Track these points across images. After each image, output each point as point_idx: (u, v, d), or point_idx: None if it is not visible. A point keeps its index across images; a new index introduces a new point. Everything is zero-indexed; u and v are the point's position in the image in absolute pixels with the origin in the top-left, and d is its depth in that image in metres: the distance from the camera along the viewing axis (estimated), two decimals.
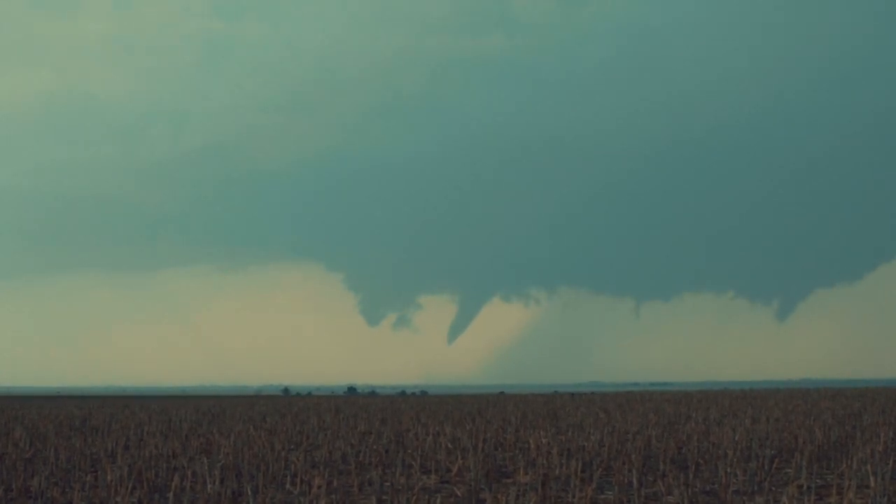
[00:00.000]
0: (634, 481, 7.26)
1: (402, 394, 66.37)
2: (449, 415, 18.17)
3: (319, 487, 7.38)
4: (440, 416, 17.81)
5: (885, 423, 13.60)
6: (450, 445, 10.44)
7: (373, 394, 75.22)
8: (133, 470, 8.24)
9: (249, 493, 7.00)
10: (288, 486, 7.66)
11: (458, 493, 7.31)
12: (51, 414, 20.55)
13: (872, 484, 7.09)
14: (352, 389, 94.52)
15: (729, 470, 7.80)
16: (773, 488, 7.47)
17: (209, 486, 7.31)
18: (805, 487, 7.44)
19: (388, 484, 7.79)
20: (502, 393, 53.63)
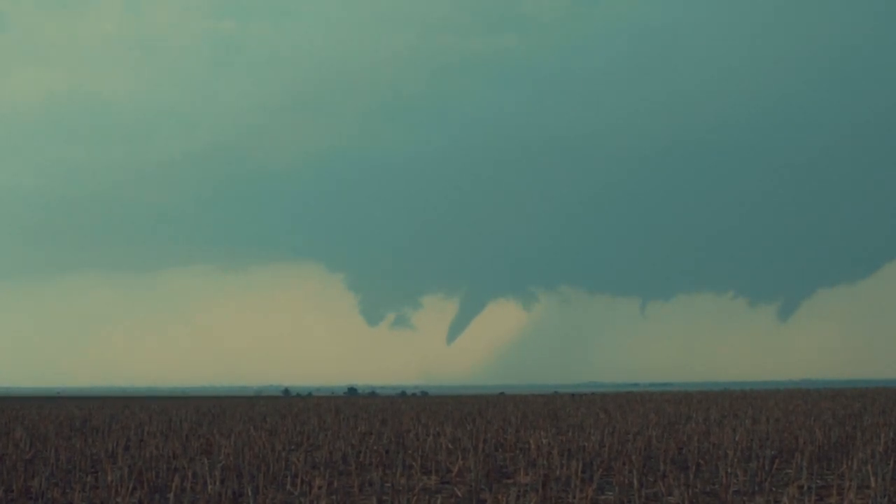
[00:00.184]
0: (635, 482, 7.26)
1: (403, 394, 66.37)
2: (449, 415, 18.17)
3: (320, 488, 7.38)
4: (440, 416, 17.81)
5: (886, 424, 13.60)
6: (450, 446, 10.44)
7: (373, 394, 75.23)
8: (133, 470, 8.24)
9: (250, 493, 7.00)
10: (288, 486, 7.66)
11: (459, 494, 7.31)
12: (51, 414, 20.55)
13: (873, 484, 7.09)
14: (352, 390, 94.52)
15: (729, 470, 7.80)
16: (774, 489, 7.47)
17: (210, 487, 7.30)
18: (805, 488, 7.44)
19: (388, 484, 7.79)
20: (502, 393, 53.63)
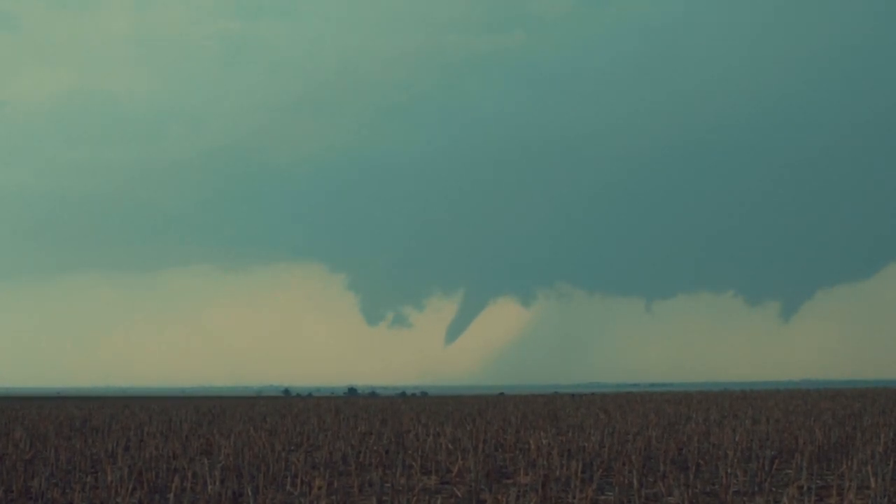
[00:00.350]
0: (635, 482, 7.26)
1: (403, 394, 66.37)
2: (449, 415, 18.17)
3: (320, 488, 7.39)
4: (440, 416, 17.81)
5: (886, 424, 13.60)
6: (450, 446, 10.45)
7: (373, 394, 75.24)
8: (133, 471, 8.24)
9: (250, 493, 7.00)
10: (288, 486, 7.66)
11: (459, 494, 7.31)
12: (51, 414, 20.55)
13: (873, 485, 7.09)
14: (352, 390, 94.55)
15: (729, 470, 7.80)
16: (774, 489, 7.47)
17: (209, 487, 7.31)
18: (805, 488, 7.44)
19: (388, 485, 7.79)
20: (502, 394, 53.64)
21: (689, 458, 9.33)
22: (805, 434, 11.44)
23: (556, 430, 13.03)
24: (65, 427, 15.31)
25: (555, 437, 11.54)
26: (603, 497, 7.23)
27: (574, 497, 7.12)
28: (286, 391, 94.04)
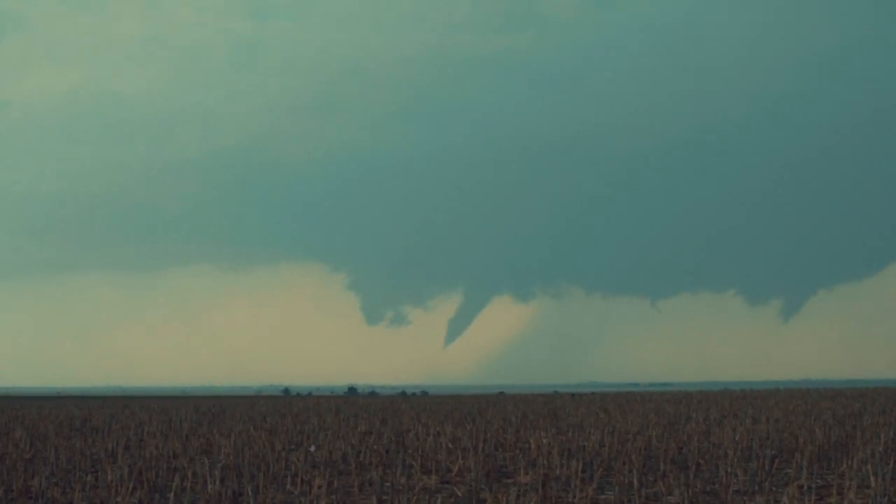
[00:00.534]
0: (635, 481, 7.26)
1: (403, 394, 66.38)
2: (449, 415, 18.17)
3: (320, 488, 7.38)
4: (440, 416, 17.81)
5: (886, 424, 13.60)
6: (450, 445, 10.44)
7: (373, 394, 75.23)
8: (133, 470, 8.24)
9: (250, 493, 7.00)
10: (288, 486, 7.66)
11: (459, 494, 7.31)
12: (51, 414, 20.55)
13: (873, 484, 7.09)
14: (352, 390, 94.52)
15: (729, 470, 7.80)
16: (774, 488, 7.47)
17: (210, 487, 7.31)
18: (805, 487, 7.44)
19: (388, 484, 7.79)
20: (502, 393, 53.64)
21: (689, 457, 9.33)
22: (805, 434, 11.44)
23: (556, 430, 13.02)
24: (65, 427, 15.31)
25: (555, 437, 11.54)
26: (603, 496, 7.23)
27: (574, 496, 7.12)
28: (286, 391, 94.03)
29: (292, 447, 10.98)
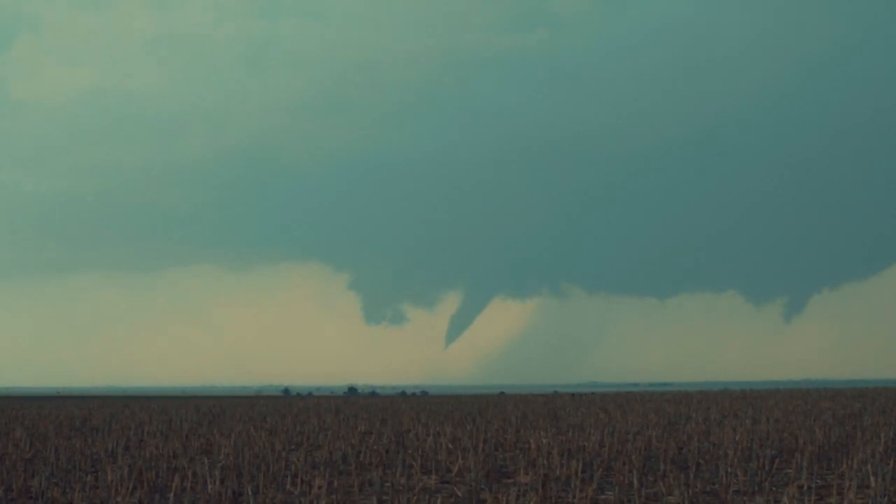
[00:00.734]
0: (635, 481, 7.26)
1: (403, 394, 66.38)
2: (449, 415, 18.17)
3: (320, 488, 7.39)
4: (440, 416, 17.81)
5: (886, 424, 13.61)
6: (450, 446, 10.44)
7: (373, 394, 75.24)
8: (133, 470, 8.24)
9: (250, 493, 7.00)
10: (288, 486, 7.66)
11: (459, 494, 7.31)
12: (51, 414, 20.55)
13: (873, 484, 7.09)
14: (352, 390, 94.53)
15: (729, 470, 7.80)
16: (774, 488, 7.47)
17: (209, 487, 7.31)
18: (805, 488, 7.44)
19: (388, 484, 7.79)
20: (502, 393, 53.63)
21: (689, 457, 9.33)
22: (805, 434, 11.44)
23: (556, 430, 13.02)
24: (65, 427, 15.31)
25: (555, 437, 11.54)
26: (603, 497, 7.23)
27: (574, 497, 7.12)
28: (286, 391, 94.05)
29: (292, 447, 10.98)
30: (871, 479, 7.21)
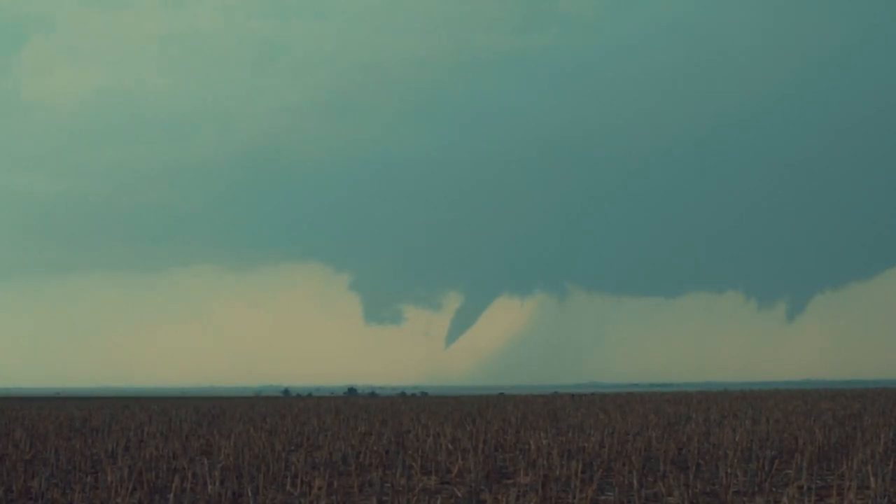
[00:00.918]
0: (635, 482, 7.26)
1: (403, 395, 66.37)
2: (449, 416, 18.17)
3: (320, 488, 7.38)
4: (440, 416, 17.81)
5: (886, 424, 13.61)
6: (450, 446, 10.44)
7: (373, 395, 75.24)
8: (133, 471, 8.24)
9: (250, 494, 7.00)
10: (288, 487, 7.66)
11: (459, 494, 7.31)
12: (51, 415, 20.55)
13: (873, 485, 7.09)
14: (352, 390, 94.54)
15: (729, 471, 7.80)
16: (774, 489, 7.47)
17: (209, 487, 7.30)
18: (805, 488, 7.44)
19: (388, 485, 7.79)
20: (502, 394, 53.64)
21: (689, 458, 9.33)
22: (805, 434, 11.44)
23: (556, 430, 13.02)
24: (65, 427, 15.31)
25: (555, 437, 11.54)
26: (603, 497, 7.23)
27: (574, 497, 7.12)
28: (286, 391, 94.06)
29: (292, 448, 10.98)
30: (871, 479, 7.21)
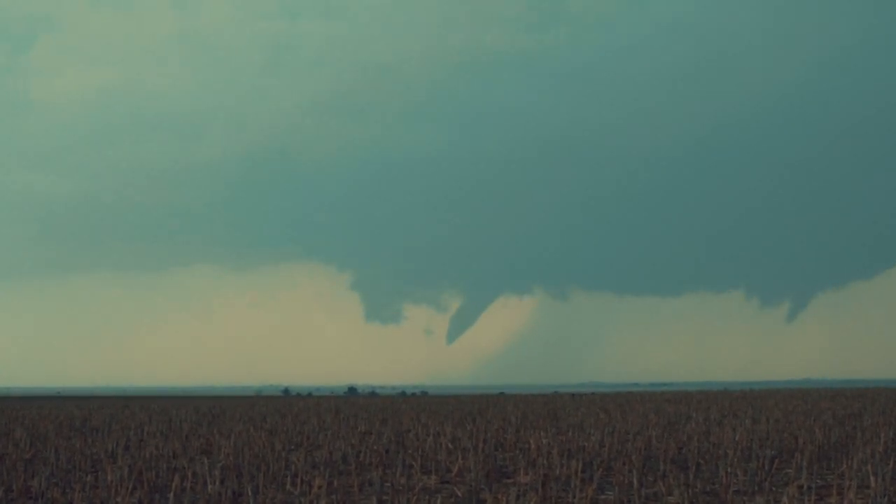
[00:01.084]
0: (635, 481, 7.26)
1: (403, 394, 66.37)
2: (449, 415, 18.17)
3: (320, 488, 7.38)
4: (440, 416, 17.81)
5: (886, 424, 13.60)
6: (450, 446, 10.44)
7: (373, 394, 75.24)
8: (133, 470, 8.24)
9: (250, 493, 7.00)
10: (288, 486, 7.66)
11: (459, 494, 7.31)
12: (51, 414, 20.55)
13: (873, 484, 7.09)
14: (352, 390, 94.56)
15: (729, 470, 7.80)
16: (774, 488, 7.47)
17: (209, 487, 7.30)
18: (805, 488, 7.44)
19: (388, 484, 7.79)
20: (502, 393, 53.61)
21: (689, 457, 9.33)
22: (805, 434, 11.44)
23: (556, 430, 13.02)
24: (65, 427, 15.31)
25: (555, 437, 11.54)
26: (603, 497, 7.23)
27: (574, 497, 7.12)
28: (286, 391, 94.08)
29: (292, 447, 10.98)
30: (871, 479, 7.21)
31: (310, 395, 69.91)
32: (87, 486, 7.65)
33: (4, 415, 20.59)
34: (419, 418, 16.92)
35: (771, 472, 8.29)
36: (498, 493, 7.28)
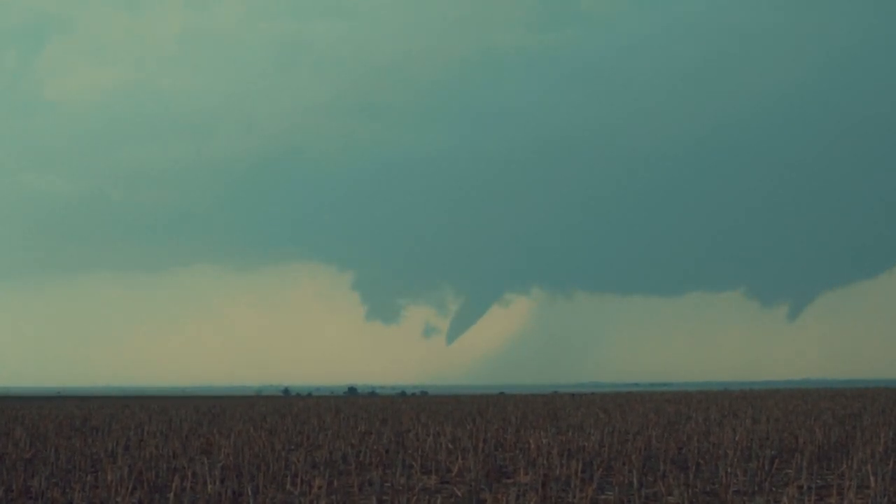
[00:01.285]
0: (635, 481, 7.26)
1: (403, 394, 66.38)
2: (449, 415, 18.17)
3: (320, 488, 7.39)
4: (440, 416, 17.81)
5: (886, 424, 13.61)
6: (450, 446, 10.44)
7: (373, 394, 75.24)
8: (133, 470, 8.24)
9: (250, 493, 7.00)
10: (288, 486, 7.66)
11: (459, 494, 7.31)
12: (51, 414, 20.55)
13: (873, 484, 7.09)
14: (352, 390, 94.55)
15: (729, 470, 7.80)
16: (774, 488, 7.47)
17: (209, 487, 7.31)
18: (805, 488, 7.44)
19: (388, 484, 7.79)
20: (502, 393, 53.62)
21: (689, 457, 9.33)
22: (805, 434, 11.44)
23: (556, 430, 13.02)
24: (65, 427, 15.31)
25: (555, 437, 11.54)
26: (603, 497, 7.23)
27: (574, 497, 7.12)
28: (286, 391, 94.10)
29: (292, 447, 10.98)
30: (871, 479, 7.21)
31: (310, 394, 69.93)
32: (87, 485, 7.65)
33: (4, 415, 20.59)
34: (419, 418, 16.92)
35: (771, 472, 8.29)
36: (498, 493, 7.28)
